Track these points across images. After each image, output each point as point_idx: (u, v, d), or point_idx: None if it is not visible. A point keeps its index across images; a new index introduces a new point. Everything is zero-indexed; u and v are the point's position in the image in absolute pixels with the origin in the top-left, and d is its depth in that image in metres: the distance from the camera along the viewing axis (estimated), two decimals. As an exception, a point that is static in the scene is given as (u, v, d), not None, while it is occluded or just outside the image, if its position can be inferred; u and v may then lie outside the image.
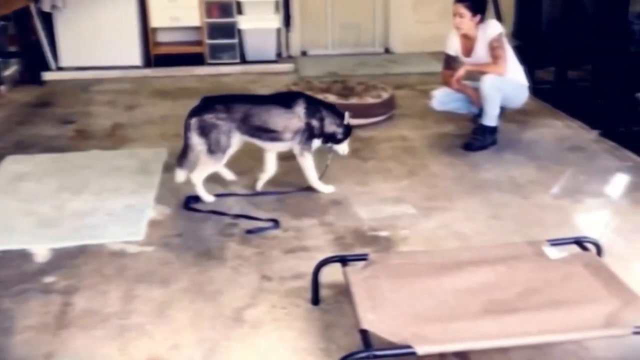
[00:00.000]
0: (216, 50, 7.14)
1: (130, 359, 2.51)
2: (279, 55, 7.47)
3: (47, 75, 6.74)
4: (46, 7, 6.61)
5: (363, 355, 2.21)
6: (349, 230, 3.50)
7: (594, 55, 5.59)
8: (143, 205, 3.78)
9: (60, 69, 6.87)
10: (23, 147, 4.81)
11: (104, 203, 3.80)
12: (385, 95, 5.37)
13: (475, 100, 4.64)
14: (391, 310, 2.44)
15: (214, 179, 3.92)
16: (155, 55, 7.08)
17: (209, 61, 7.12)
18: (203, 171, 3.80)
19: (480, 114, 4.64)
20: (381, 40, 7.91)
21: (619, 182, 4.15)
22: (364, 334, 2.29)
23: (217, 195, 3.86)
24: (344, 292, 2.71)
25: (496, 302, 2.48)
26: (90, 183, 4.09)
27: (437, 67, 5.29)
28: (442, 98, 4.76)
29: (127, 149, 4.77)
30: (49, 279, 3.06)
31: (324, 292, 2.85)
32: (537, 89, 5.48)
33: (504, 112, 4.68)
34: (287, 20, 7.52)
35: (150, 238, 3.43)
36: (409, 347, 2.20)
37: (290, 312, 2.78)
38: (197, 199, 3.81)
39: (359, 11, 7.81)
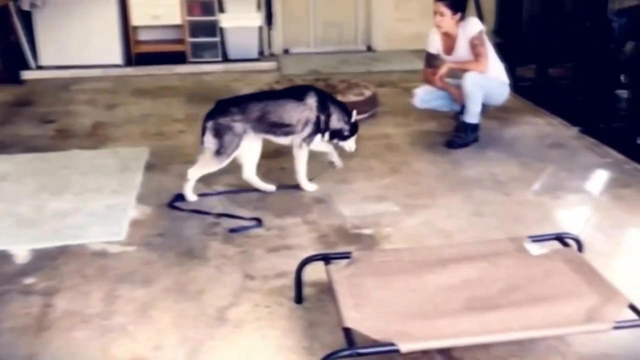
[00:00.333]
0: (198, 49, 7.09)
1: (112, 360, 2.49)
2: (261, 53, 7.44)
3: (27, 74, 6.65)
4: (25, 6, 6.53)
5: (346, 353, 2.21)
6: (332, 228, 3.50)
7: (574, 52, 5.63)
8: (124, 204, 3.75)
9: (40, 67, 6.79)
10: (2, 147, 4.76)
11: (85, 203, 3.77)
12: (367, 93, 5.38)
13: (457, 97, 4.65)
14: (374, 308, 2.45)
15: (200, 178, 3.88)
16: (136, 53, 7.01)
17: (191, 60, 7.07)
18: (202, 169, 3.79)
19: (462, 111, 4.65)
20: (363, 38, 7.92)
21: (599, 178, 4.18)
22: (348, 332, 2.29)
23: (200, 195, 3.84)
24: (327, 290, 2.70)
25: (478, 299, 2.50)
26: (71, 183, 4.05)
27: (419, 64, 5.30)
28: (424, 96, 4.77)
29: (108, 148, 4.73)
30: (29, 280, 3.02)
31: (307, 291, 2.85)
32: (518, 86, 5.52)
33: (485, 109, 4.70)
34: (269, 18, 7.49)
35: (132, 238, 3.41)
36: (392, 344, 2.21)
37: (274, 311, 2.77)
38: (183, 197, 3.79)
39: (341, 9, 7.80)
